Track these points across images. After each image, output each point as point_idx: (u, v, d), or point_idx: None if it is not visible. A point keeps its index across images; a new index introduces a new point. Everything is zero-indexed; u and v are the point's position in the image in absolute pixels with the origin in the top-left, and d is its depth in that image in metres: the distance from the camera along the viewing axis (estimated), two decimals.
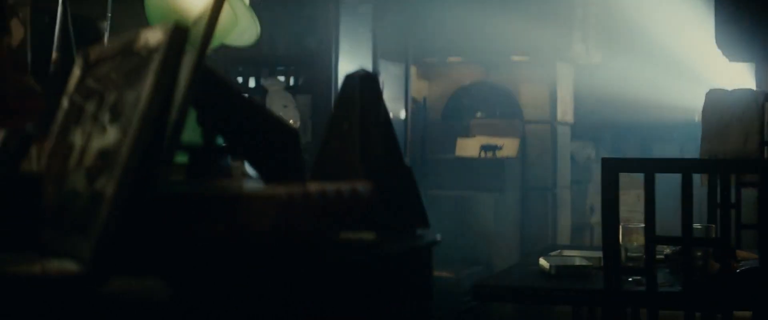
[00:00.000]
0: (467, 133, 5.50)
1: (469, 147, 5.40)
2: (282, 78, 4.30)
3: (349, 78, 1.64)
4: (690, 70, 6.07)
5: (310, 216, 1.29)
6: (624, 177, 3.96)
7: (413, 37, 5.07)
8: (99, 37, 1.73)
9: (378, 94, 1.65)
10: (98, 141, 1.20)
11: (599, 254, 3.53)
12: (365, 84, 1.63)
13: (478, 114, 5.60)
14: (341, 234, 1.49)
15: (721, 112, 4.41)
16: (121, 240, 1.09)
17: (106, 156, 1.17)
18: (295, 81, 4.30)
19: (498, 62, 5.57)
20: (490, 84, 5.62)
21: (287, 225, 1.26)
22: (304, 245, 1.34)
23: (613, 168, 2.94)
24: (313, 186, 1.29)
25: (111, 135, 1.18)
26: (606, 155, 6.67)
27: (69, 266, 1.06)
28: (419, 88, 5.57)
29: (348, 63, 4.07)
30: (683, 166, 2.93)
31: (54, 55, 1.59)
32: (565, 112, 5.76)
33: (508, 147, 5.35)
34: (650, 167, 2.91)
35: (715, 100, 4.39)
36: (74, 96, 1.36)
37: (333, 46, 4.03)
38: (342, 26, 4.08)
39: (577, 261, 3.36)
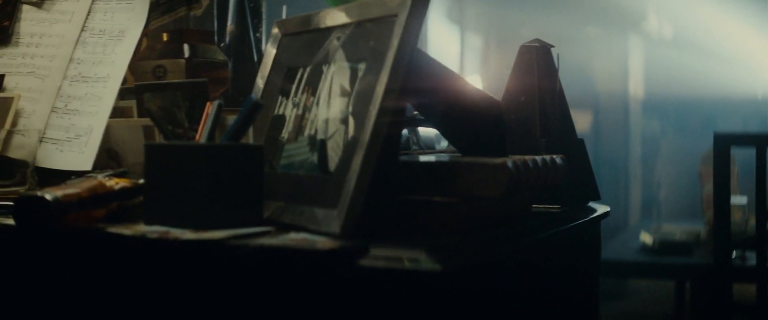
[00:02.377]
0: None
1: None
2: None
3: (524, 49, 1.62)
4: (753, 49, 5.99)
5: (526, 187, 1.27)
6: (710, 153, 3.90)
7: (493, 9, 5.03)
8: (258, 9, 1.71)
9: (553, 65, 1.63)
10: (323, 113, 1.19)
11: (697, 228, 3.50)
12: (541, 55, 1.61)
13: None
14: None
15: None
16: (366, 212, 1.08)
17: (335, 128, 1.15)
18: None
19: (571, 34, 5.51)
20: (562, 56, 5.55)
21: (511, 194, 1.25)
22: (519, 215, 1.33)
23: (725, 142, 2.90)
24: (527, 157, 1.27)
25: (336, 107, 1.17)
26: (672, 131, 6.61)
27: (318, 239, 1.05)
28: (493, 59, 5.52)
29: (436, 35, 4.03)
30: None
31: (229, 26, 1.58)
32: (636, 85, 5.70)
33: (581, 121, 5.31)
34: (763, 141, 2.87)
35: None
36: (273, 70, 1.34)
37: None
38: None
39: (678, 236, 3.33)
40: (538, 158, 1.30)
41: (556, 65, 1.62)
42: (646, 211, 5.74)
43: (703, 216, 3.61)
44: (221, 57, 1.47)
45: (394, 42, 1.10)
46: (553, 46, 1.62)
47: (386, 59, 1.11)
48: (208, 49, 1.45)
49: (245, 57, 1.56)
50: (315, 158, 1.16)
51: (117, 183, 1.20)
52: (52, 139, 1.40)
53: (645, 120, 6.01)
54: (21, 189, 1.32)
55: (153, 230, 1.09)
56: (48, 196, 1.10)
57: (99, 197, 1.16)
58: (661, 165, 6.04)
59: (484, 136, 1.35)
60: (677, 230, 3.41)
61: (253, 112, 1.17)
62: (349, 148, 1.10)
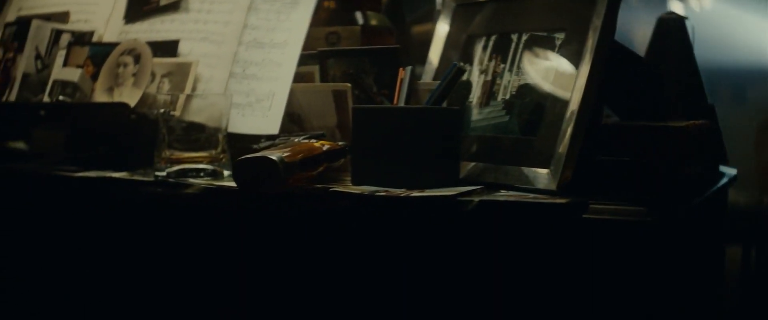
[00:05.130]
0: None
1: None
2: None
3: (662, 21, 1.69)
4: None
5: (688, 149, 1.35)
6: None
7: None
8: None
9: (687, 36, 1.70)
10: (517, 79, 1.26)
11: (756, 194, 3.56)
12: (677, 26, 1.68)
13: None
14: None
15: None
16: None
17: (533, 92, 1.23)
18: None
19: None
20: None
21: (683, 157, 1.32)
22: (680, 175, 1.40)
23: None
24: (693, 122, 1.34)
25: (533, 73, 1.24)
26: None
27: (535, 196, 1.12)
28: None
29: None
30: None
31: None
32: None
33: None
34: None
35: None
36: (449, 38, 1.41)
37: None
38: None
39: (741, 201, 3.39)
40: (698, 123, 1.38)
41: (691, 36, 1.69)
42: None
43: (759, 183, 3.67)
44: (388, 24, 1.54)
45: (600, 14, 1.18)
46: (686, 18, 1.69)
47: (590, 30, 1.18)
48: (376, 16, 1.52)
49: (397, 23, 1.62)
50: (512, 121, 1.24)
51: (323, 145, 1.27)
52: (233, 103, 1.47)
53: None
54: (205, 154, 1.36)
55: (374, 189, 1.17)
56: (274, 157, 1.17)
57: (313, 159, 1.23)
58: None
59: (644, 101, 1.43)
60: (739, 195, 3.47)
61: (456, 77, 1.24)
62: (555, 111, 1.18)
